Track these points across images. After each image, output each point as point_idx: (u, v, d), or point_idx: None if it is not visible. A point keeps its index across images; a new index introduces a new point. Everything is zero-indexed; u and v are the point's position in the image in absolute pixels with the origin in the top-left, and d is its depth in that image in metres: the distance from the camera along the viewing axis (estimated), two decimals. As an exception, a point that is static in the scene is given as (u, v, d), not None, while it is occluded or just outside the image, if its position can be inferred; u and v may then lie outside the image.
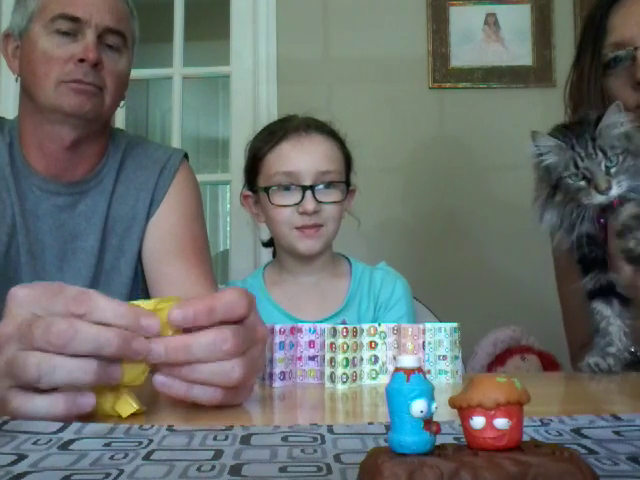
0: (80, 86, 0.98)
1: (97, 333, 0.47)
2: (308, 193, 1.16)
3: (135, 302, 0.52)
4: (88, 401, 0.48)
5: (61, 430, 0.44)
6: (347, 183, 1.24)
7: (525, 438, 0.30)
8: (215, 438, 0.42)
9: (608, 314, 0.87)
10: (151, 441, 0.41)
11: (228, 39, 2.24)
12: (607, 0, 1.07)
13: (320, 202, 1.17)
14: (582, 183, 0.83)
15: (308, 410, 0.65)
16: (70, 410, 0.48)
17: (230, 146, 2.23)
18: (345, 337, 0.72)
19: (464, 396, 0.30)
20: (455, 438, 0.40)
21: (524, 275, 2.06)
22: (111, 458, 0.37)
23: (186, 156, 1.17)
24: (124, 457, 0.37)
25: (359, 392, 0.70)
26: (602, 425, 0.45)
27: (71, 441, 0.41)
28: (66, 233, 1.05)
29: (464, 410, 0.30)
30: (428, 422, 0.29)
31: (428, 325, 0.77)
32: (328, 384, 0.72)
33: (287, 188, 1.18)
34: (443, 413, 0.42)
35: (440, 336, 0.77)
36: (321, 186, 1.18)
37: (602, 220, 0.86)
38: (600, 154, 0.82)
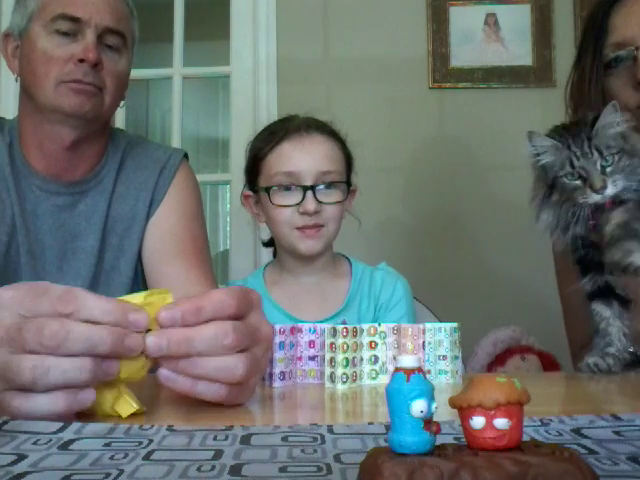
0: (80, 86, 0.98)
1: (90, 332, 0.47)
2: (309, 193, 1.16)
3: (123, 297, 0.51)
4: (88, 396, 0.48)
5: (61, 430, 0.44)
6: (348, 183, 1.23)
7: (525, 438, 0.30)
8: (215, 438, 0.42)
9: (608, 315, 0.87)
10: (151, 441, 0.41)
11: (228, 39, 2.24)
12: (608, 0, 1.07)
13: (321, 202, 1.17)
14: (578, 182, 0.83)
15: (308, 410, 0.65)
16: (71, 406, 0.47)
17: (230, 146, 2.23)
18: (345, 337, 0.72)
19: (464, 396, 0.30)
20: (455, 438, 0.40)
21: (524, 275, 2.06)
22: (111, 458, 0.37)
23: (186, 156, 1.17)
24: (124, 457, 0.37)
25: (359, 392, 0.69)
26: (602, 425, 0.45)
27: (71, 441, 0.41)
28: (66, 233, 1.05)
29: (464, 410, 0.30)
30: (428, 422, 0.29)
31: (428, 325, 0.77)
32: (328, 384, 0.72)
33: (288, 188, 1.18)
34: (443, 413, 0.42)
35: (440, 336, 0.77)
36: (322, 186, 1.18)
37: (591, 222, 0.85)
38: (596, 153, 0.82)
